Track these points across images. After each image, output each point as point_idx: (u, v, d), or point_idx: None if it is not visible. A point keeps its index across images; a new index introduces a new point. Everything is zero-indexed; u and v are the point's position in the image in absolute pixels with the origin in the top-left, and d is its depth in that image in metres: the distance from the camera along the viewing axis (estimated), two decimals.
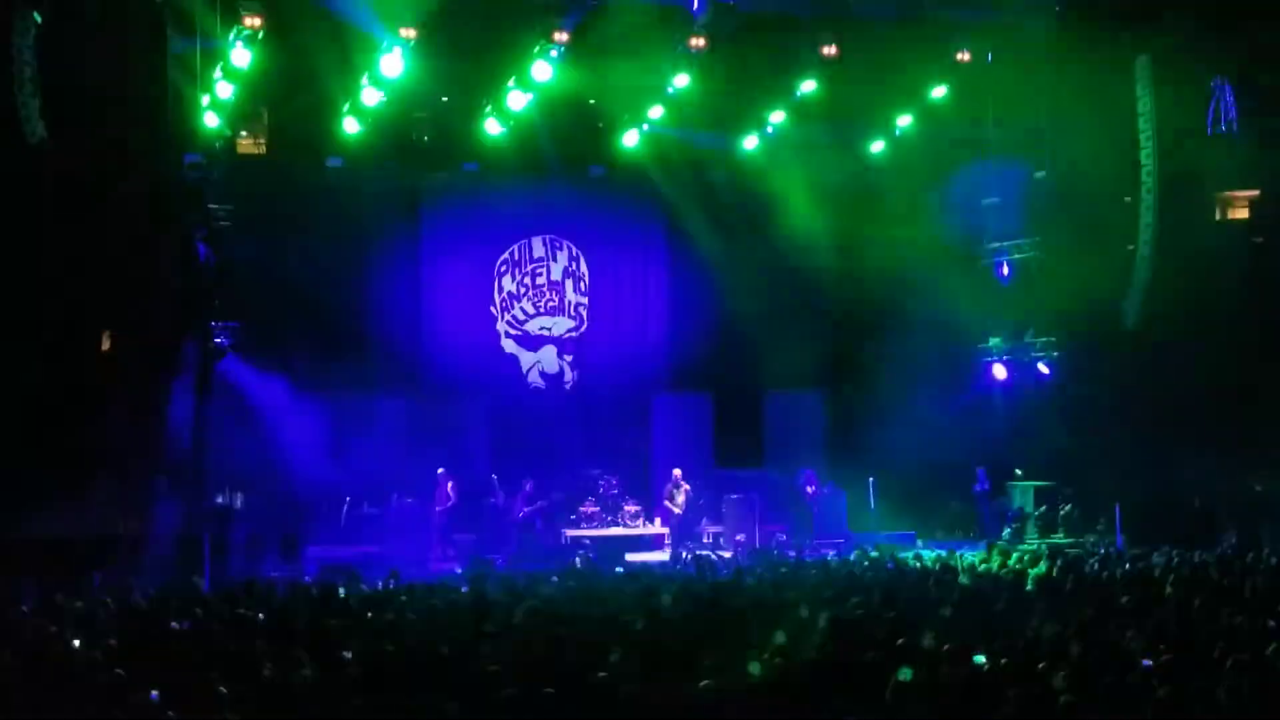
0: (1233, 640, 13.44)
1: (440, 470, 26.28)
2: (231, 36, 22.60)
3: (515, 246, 29.64)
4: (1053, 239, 27.12)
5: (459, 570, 22.79)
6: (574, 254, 29.95)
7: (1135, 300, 26.13)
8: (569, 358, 29.70)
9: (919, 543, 26.12)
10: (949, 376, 27.78)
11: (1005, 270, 28.05)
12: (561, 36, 23.42)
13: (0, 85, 20.79)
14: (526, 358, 29.56)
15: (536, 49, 23.97)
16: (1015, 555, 21.20)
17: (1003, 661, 12.58)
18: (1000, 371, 27.90)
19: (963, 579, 18.61)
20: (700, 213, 29.57)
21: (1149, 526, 24.45)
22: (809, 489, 27.61)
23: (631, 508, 27.55)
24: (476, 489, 26.86)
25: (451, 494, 26.18)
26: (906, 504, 28.01)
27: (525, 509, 26.39)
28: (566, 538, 26.33)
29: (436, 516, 26.10)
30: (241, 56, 22.74)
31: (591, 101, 27.89)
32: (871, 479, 28.27)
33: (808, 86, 25.97)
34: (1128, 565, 20.08)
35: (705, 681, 11.99)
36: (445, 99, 27.36)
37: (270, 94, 26.01)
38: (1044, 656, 12.61)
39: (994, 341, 28.19)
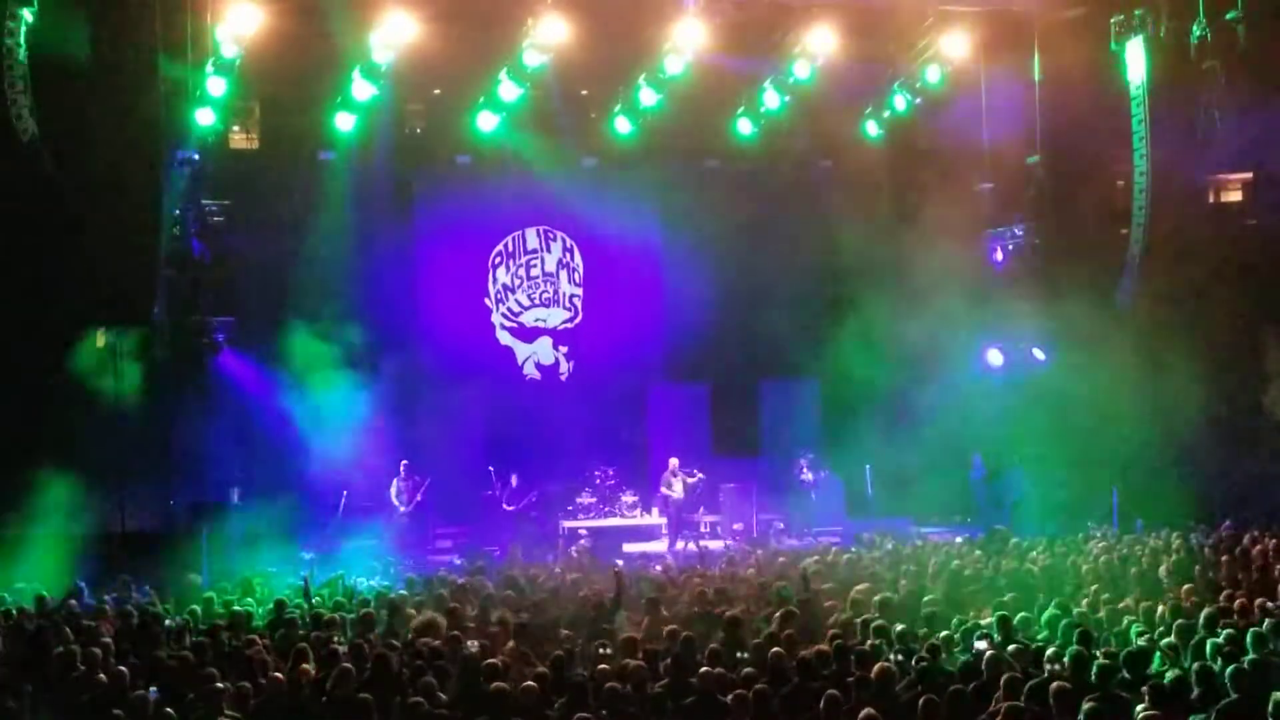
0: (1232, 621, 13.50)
1: (404, 463, 26.22)
2: (222, 32, 22.56)
3: (509, 238, 29.64)
4: (1047, 224, 27.10)
5: (456, 561, 22.82)
6: (568, 245, 29.94)
7: (1129, 283, 26.12)
8: (564, 349, 29.70)
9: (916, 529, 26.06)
10: (945, 361, 27.74)
11: (1000, 255, 28.01)
12: (554, 26, 23.35)
13: None
14: (522, 349, 29.56)
15: (527, 39, 23.91)
16: None
17: (1008, 650, 12.61)
18: (996, 357, 27.89)
19: None
20: (694, 201, 29.55)
21: (1145, 511, 24.43)
22: (805, 475, 27.57)
23: (629, 498, 27.54)
24: (473, 481, 26.90)
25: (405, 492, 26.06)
26: (903, 490, 28.01)
27: (514, 502, 26.36)
28: (564, 529, 26.33)
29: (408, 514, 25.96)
30: (232, 51, 22.71)
31: (584, 91, 27.87)
32: (868, 466, 28.29)
33: (801, 70, 25.91)
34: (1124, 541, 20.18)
35: (704, 668, 12.04)
36: (437, 91, 27.34)
37: (262, 89, 25.98)
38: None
39: (989, 326, 28.15)
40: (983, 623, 14.32)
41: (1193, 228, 26.78)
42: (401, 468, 26.00)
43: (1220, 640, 12.64)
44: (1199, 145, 26.86)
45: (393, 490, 25.90)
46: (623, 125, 27.68)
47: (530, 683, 11.64)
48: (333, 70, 24.88)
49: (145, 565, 19.46)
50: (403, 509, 25.75)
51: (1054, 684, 11.09)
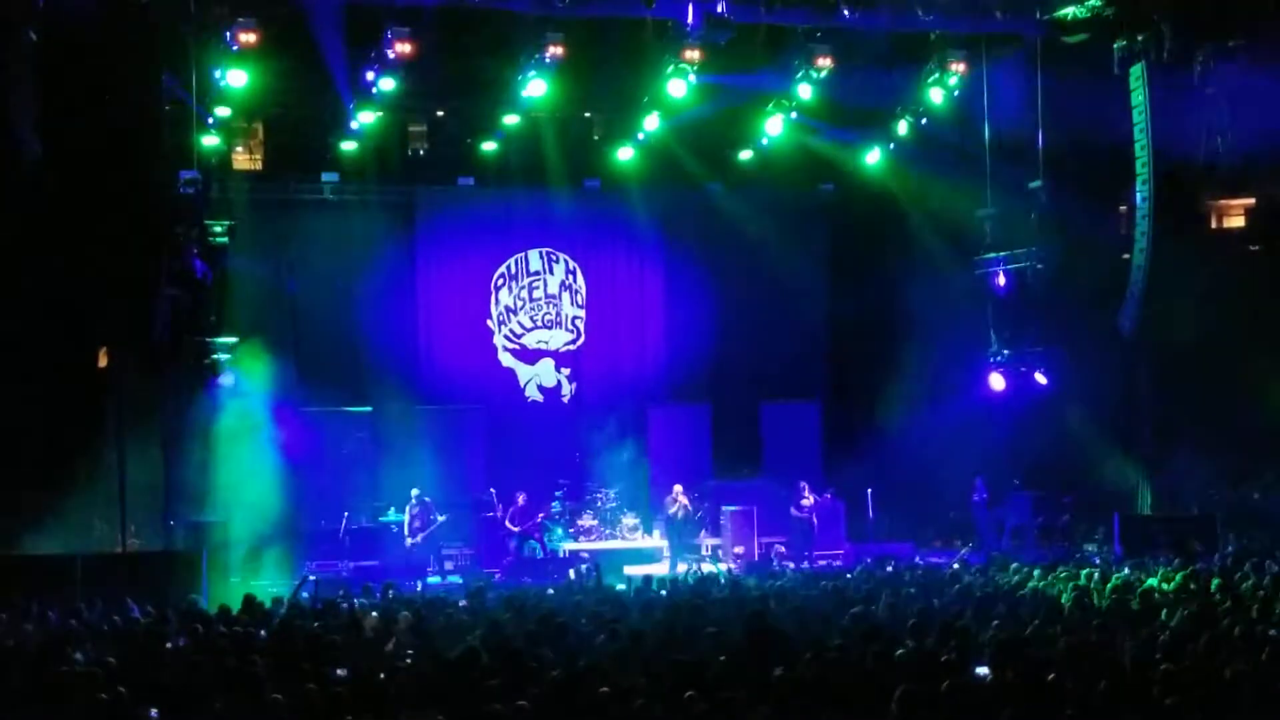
0: (1233, 650, 13.45)
1: (415, 491, 26.11)
2: (227, 54, 22.60)
3: (512, 260, 29.69)
4: (1049, 248, 27.09)
5: (459, 580, 22.82)
6: (570, 267, 29.99)
7: (1132, 309, 26.10)
8: (566, 371, 29.72)
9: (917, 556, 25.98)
10: (947, 386, 27.73)
11: (1002, 280, 27.99)
12: (557, 50, 23.38)
13: None
14: (524, 371, 29.59)
15: (533, 66, 23.94)
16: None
17: (1009, 675, 12.55)
18: (998, 381, 27.84)
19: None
20: (696, 224, 29.62)
21: (1147, 536, 24.40)
22: (805, 499, 27.47)
23: (630, 520, 27.54)
24: (475, 502, 26.86)
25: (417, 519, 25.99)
26: (905, 514, 27.98)
27: (520, 523, 26.32)
28: (565, 550, 26.31)
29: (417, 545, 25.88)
30: (237, 76, 22.75)
31: (586, 114, 27.94)
32: (870, 489, 28.25)
33: (803, 94, 25.90)
34: (1126, 567, 20.13)
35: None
36: (440, 113, 27.41)
37: (266, 110, 26.06)
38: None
39: (991, 351, 28.12)
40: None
41: (1195, 253, 26.75)
42: (413, 496, 25.94)
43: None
44: (1202, 170, 26.88)
45: (405, 518, 25.83)
46: (625, 152, 27.82)
47: None
48: (336, 92, 24.93)
49: (145, 585, 19.41)
50: (409, 540, 25.67)
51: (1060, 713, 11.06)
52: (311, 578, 22.07)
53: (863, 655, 13.37)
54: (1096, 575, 19.71)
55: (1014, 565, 21.25)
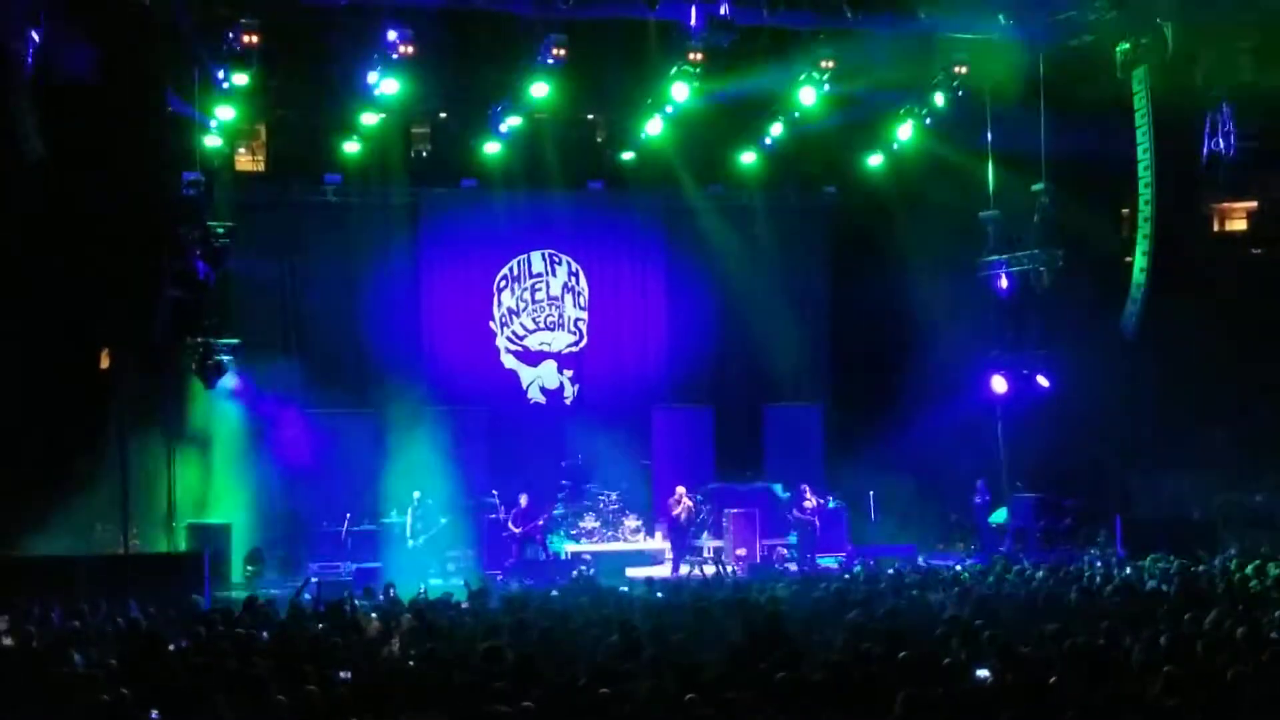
0: (1234, 651, 13.44)
1: (416, 494, 26.03)
2: (230, 55, 22.61)
3: (514, 262, 29.66)
4: (1051, 251, 27.09)
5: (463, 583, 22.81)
6: (573, 269, 29.97)
7: (1134, 312, 26.09)
8: (569, 373, 29.70)
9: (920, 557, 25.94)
10: (949, 388, 27.73)
11: (1004, 282, 27.98)
12: (559, 52, 23.37)
13: None
14: (527, 373, 29.56)
15: (536, 67, 23.94)
16: None
17: (1010, 677, 12.53)
18: (1000, 383, 27.84)
19: None
20: (699, 226, 29.63)
21: (1149, 539, 24.39)
22: (807, 501, 27.43)
23: (632, 522, 27.53)
24: (477, 504, 26.84)
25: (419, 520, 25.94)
26: (907, 517, 27.97)
27: (521, 524, 26.29)
28: (567, 553, 26.31)
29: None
30: (240, 77, 22.75)
31: (589, 116, 27.95)
32: (872, 492, 28.25)
33: (807, 97, 25.87)
34: (1129, 570, 20.11)
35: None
36: (444, 115, 27.43)
37: (269, 111, 26.09)
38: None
39: (993, 353, 28.13)
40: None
41: (1197, 256, 26.76)
42: (415, 498, 25.88)
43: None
44: (1204, 173, 26.88)
45: (407, 520, 25.78)
46: (627, 154, 27.85)
47: None
48: (340, 94, 24.96)
49: (148, 586, 19.41)
50: (411, 542, 25.62)
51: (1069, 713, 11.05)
52: (314, 579, 22.06)
53: (865, 657, 13.38)
54: (1099, 578, 19.72)
55: (1016, 568, 21.23)
